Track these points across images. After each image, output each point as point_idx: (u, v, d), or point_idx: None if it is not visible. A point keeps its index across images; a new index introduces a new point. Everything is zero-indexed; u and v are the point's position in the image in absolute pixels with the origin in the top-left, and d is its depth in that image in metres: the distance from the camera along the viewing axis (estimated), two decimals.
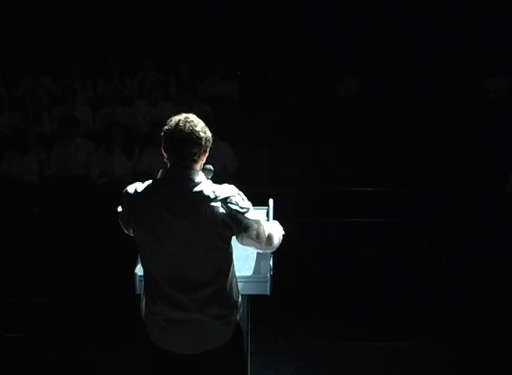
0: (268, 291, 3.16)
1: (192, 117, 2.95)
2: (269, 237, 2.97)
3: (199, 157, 2.92)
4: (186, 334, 2.86)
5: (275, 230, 3.04)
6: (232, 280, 2.93)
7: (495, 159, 8.65)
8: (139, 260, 3.02)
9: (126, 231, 2.99)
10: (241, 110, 9.55)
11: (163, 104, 9.25)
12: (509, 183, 7.85)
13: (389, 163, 8.69)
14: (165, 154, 2.94)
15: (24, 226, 7.56)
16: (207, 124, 2.99)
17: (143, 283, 2.99)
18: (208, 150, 2.96)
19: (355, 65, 10.72)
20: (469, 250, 7.39)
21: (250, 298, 3.15)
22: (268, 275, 3.16)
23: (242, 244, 2.96)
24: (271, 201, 3.43)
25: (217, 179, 3.04)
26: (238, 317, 2.95)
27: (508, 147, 8.66)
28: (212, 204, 2.82)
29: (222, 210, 2.82)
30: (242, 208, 2.86)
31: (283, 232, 3.11)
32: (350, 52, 11.18)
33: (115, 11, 11.27)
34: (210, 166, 3.06)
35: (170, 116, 2.97)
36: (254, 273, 3.22)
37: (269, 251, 3.06)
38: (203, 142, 2.91)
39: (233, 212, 2.84)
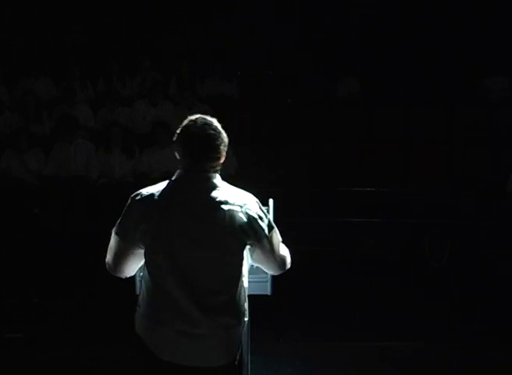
0: (268, 291, 3.16)
1: (209, 118, 2.86)
2: (283, 257, 2.90)
3: (217, 160, 2.82)
4: (197, 347, 2.73)
5: (286, 250, 2.95)
6: (241, 288, 2.84)
7: (495, 159, 8.65)
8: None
9: (122, 240, 2.86)
10: (241, 110, 9.54)
11: (163, 104, 9.23)
12: (509, 183, 7.86)
13: (389, 163, 8.68)
14: (179, 156, 2.83)
15: (24, 226, 7.55)
16: None
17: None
18: (224, 154, 2.85)
19: (355, 65, 10.70)
20: (469, 250, 7.39)
21: (250, 298, 3.14)
22: (269, 275, 3.16)
23: (253, 259, 2.86)
24: (271, 201, 3.41)
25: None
26: (244, 328, 2.86)
27: (508, 147, 8.66)
28: (232, 208, 2.73)
29: (241, 215, 2.74)
30: (259, 216, 2.78)
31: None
32: (350, 52, 11.17)
33: (116, 11, 11.26)
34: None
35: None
36: (255, 273, 3.21)
37: (281, 271, 2.95)
38: (221, 145, 2.83)
39: (251, 218, 2.75)
